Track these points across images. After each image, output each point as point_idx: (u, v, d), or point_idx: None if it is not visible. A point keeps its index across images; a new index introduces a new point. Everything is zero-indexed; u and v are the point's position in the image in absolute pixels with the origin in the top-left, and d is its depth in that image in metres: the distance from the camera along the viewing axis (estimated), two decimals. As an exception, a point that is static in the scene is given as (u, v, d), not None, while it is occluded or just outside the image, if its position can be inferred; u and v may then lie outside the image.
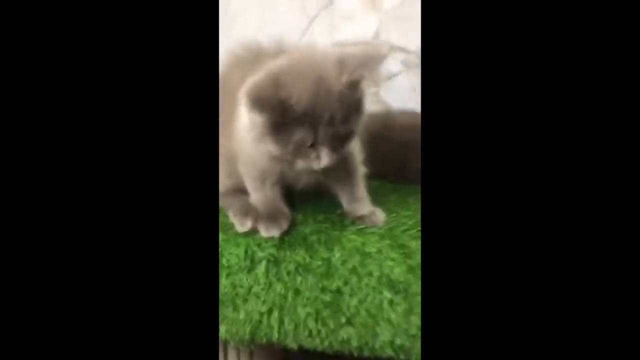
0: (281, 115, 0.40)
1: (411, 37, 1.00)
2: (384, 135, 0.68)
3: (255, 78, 0.41)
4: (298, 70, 0.41)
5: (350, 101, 0.42)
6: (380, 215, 0.50)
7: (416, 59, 1.02)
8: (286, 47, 0.49)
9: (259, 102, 0.39)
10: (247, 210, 0.49)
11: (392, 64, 1.04)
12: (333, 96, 0.41)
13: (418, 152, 0.64)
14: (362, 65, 0.42)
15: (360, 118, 0.44)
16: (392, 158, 0.66)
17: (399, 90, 1.04)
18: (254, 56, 0.49)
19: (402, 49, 1.01)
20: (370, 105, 1.11)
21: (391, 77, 1.02)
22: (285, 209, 0.49)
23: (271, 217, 0.48)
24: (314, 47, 0.48)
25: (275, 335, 0.47)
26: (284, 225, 0.48)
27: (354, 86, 0.42)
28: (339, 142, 0.43)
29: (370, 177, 0.55)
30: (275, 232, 0.47)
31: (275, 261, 0.48)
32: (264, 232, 0.48)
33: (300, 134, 0.41)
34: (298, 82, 0.40)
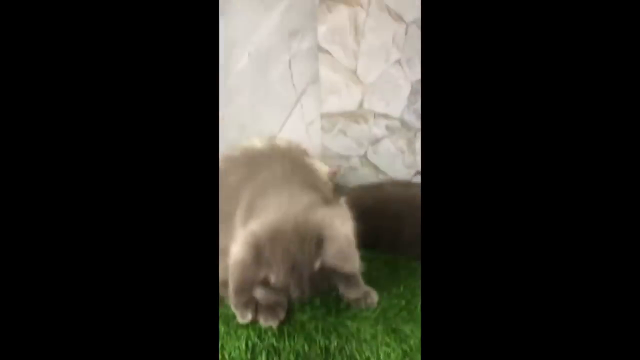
0: (262, 284, 0.46)
1: (392, 104, 1.09)
2: (377, 208, 0.70)
3: (238, 252, 0.45)
4: (278, 245, 0.44)
5: (320, 282, 0.46)
6: (373, 297, 0.53)
7: (398, 124, 1.10)
8: (277, 148, 0.54)
9: (244, 285, 0.46)
10: (248, 302, 0.52)
11: (377, 129, 1.12)
12: (305, 280, 0.45)
13: (410, 224, 0.67)
14: (336, 259, 0.45)
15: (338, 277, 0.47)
16: (385, 230, 0.68)
17: (385, 152, 1.11)
18: (249, 158, 0.54)
19: (385, 116, 1.10)
20: (360, 168, 1.17)
21: (377, 140, 1.09)
22: (282, 298, 0.52)
23: (269, 308, 0.50)
24: (296, 208, 0.47)
25: None
26: (281, 315, 0.50)
27: (325, 275, 0.46)
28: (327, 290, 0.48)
29: (363, 247, 0.58)
30: (273, 323, 0.49)
31: (275, 351, 0.49)
32: (263, 322, 0.50)
33: (277, 292, 0.46)
34: (276, 263, 0.44)
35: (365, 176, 1.09)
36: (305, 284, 0.45)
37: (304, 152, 0.59)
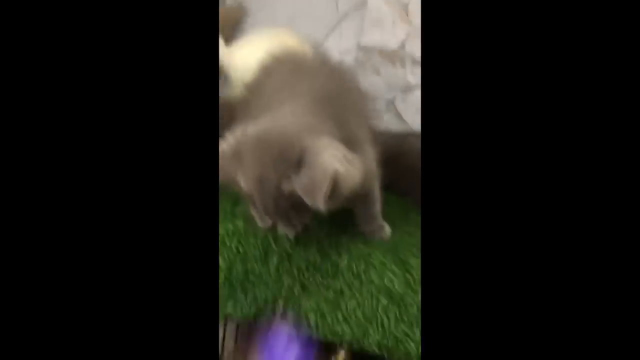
0: (240, 188, 0.44)
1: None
2: (395, 158, 0.69)
3: (225, 142, 0.43)
4: (256, 149, 0.42)
5: (288, 211, 0.43)
6: (387, 231, 0.56)
7: (435, 76, 1.06)
8: (329, 63, 0.51)
9: (223, 176, 0.43)
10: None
11: (411, 77, 1.08)
12: (268, 196, 0.42)
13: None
14: (303, 189, 0.40)
15: (306, 211, 0.44)
16: (399, 181, 0.68)
17: (412, 103, 1.08)
18: (296, 65, 0.52)
19: (424, 64, 1.05)
20: (385, 115, 1.14)
21: (409, 89, 1.06)
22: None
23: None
24: (294, 125, 0.44)
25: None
26: (299, 229, 0.52)
27: (297, 206, 0.42)
28: (294, 220, 0.45)
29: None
30: (290, 233, 0.52)
31: (288, 257, 0.53)
32: (281, 229, 0.52)
33: (258, 209, 0.45)
34: (247, 166, 0.42)
35: (386, 123, 1.08)
36: (268, 200, 0.42)
37: (356, 82, 0.55)
